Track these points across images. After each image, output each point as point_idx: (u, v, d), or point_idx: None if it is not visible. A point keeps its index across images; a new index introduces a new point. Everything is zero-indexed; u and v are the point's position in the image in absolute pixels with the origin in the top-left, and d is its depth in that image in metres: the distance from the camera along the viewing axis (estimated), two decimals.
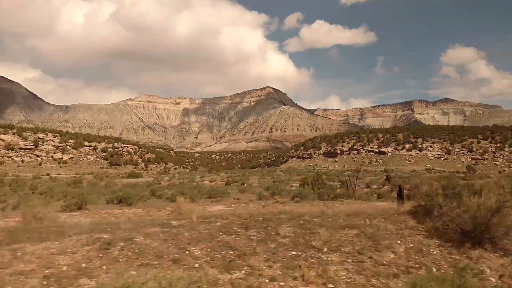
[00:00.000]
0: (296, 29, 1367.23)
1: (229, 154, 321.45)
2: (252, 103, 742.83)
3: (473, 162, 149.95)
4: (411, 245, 8.50)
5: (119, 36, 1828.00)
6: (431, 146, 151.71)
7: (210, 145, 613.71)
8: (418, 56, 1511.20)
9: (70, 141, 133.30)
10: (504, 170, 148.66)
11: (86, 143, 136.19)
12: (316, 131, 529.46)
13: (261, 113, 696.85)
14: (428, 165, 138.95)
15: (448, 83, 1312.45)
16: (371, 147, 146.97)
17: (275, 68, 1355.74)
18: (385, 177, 55.79)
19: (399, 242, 8.59)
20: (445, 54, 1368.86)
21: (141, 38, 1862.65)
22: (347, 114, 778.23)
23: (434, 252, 8.29)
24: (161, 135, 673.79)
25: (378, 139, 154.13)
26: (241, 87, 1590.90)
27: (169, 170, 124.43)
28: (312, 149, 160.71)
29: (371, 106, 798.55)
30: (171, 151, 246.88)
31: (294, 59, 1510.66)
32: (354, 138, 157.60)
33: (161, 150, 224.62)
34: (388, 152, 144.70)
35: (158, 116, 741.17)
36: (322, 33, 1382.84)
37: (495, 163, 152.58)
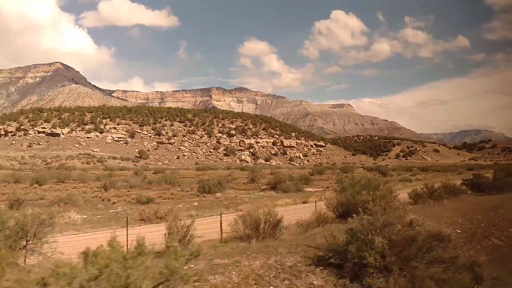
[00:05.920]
0: (94, 2, 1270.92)
1: None
2: (38, 79, 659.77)
3: (156, 146, 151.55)
4: None
5: None
6: (115, 128, 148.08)
7: None
8: (219, 45, 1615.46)
9: None
10: (184, 156, 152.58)
11: None
12: None
13: (48, 91, 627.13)
14: (97, 150, 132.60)
15: (245, 73, 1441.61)
16: (42, 128, 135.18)
17: (71, 43, 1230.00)
18: None
19: None
20: (242, 46, 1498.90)
21: None
22: (147, 97, 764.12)
23: None
24: None
25: (59, 118, 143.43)
26: (28, 59, 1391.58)
27: None
28: None
29: (172, 91, 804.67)
30: None
31: (93, 36, 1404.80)
32: (29, 116, 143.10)
33: None
34: (63, 133, 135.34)
35: None
36: (123, 10, 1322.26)
37: (179, 148, 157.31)
